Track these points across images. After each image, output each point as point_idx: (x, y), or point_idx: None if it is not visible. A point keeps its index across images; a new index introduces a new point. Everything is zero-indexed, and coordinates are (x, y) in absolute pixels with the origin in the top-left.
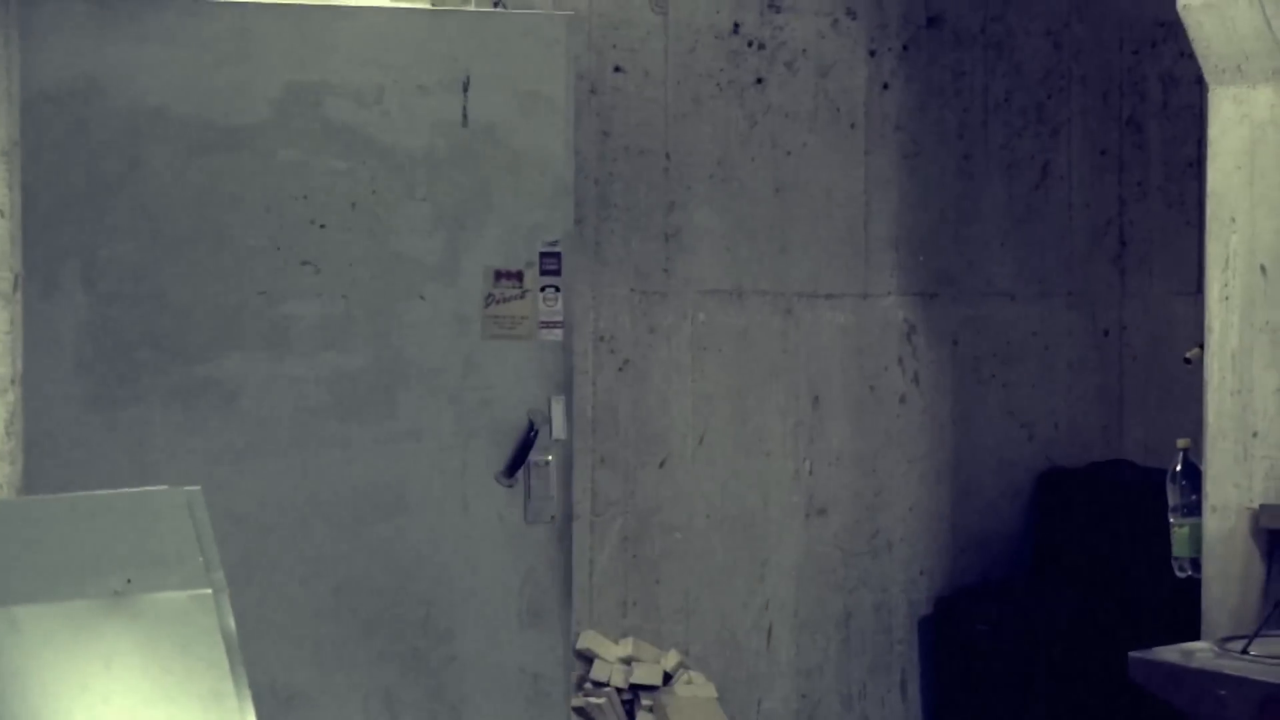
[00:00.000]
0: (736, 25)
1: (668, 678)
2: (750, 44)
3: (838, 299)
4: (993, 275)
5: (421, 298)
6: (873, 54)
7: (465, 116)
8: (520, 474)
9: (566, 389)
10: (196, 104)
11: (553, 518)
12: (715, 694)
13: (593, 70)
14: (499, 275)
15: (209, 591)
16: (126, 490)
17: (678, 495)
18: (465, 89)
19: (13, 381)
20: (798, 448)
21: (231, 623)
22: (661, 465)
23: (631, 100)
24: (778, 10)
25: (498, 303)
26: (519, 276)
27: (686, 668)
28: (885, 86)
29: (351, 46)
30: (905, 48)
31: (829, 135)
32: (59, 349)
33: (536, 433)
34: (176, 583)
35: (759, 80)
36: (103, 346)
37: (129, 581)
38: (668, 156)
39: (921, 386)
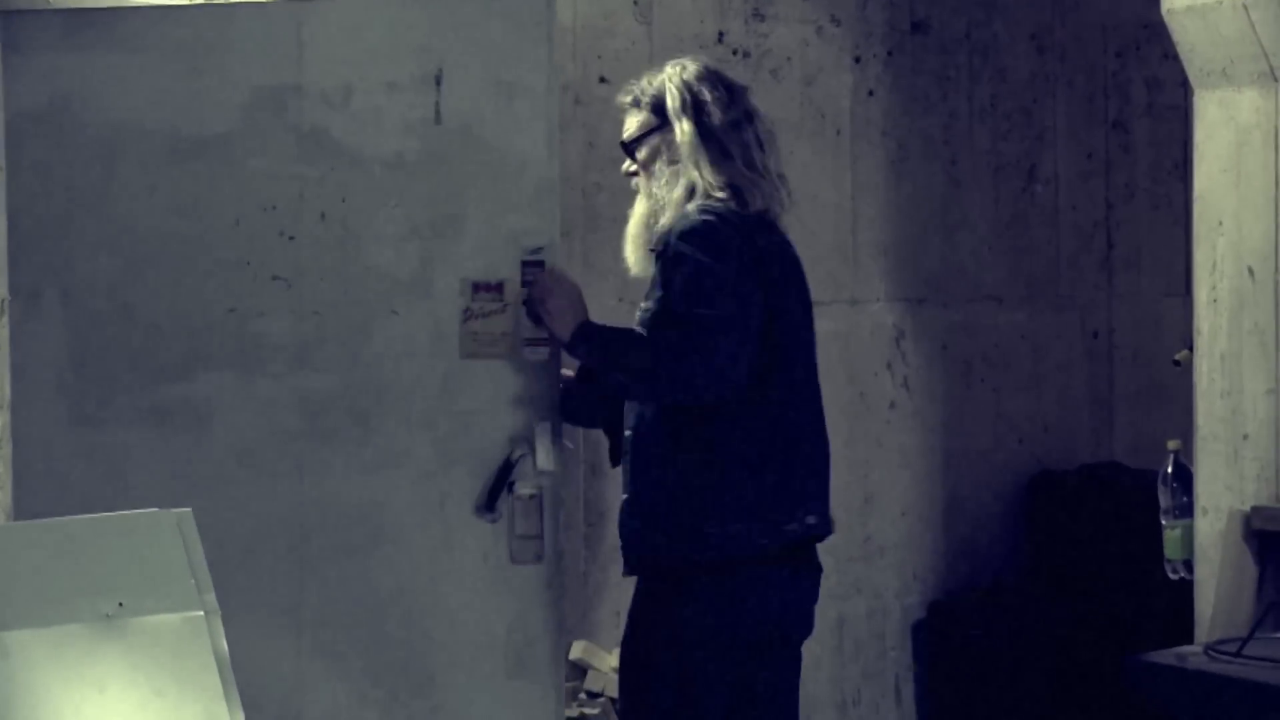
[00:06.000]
0: (721, 34)
1: None
2: (735, 52)
3: (826, 306)
4: (981, 279)
5: (395, 313)
6: (857, 60)
7: (438, 114)
8: (504, 509)
9: (552, 414)
10: (168, 115)
11: (539, 558)
12: None
13: (578, 81)
14: (477, 288)
15: (201, 614)
16: (117, 514)
17: None
18: (438, 83)
19: (1, 407)
20: None
21: (224, 645)
22: None
23: (617, 110)
24: (762, 19)
25: (476, 318)
26: (499, 289)
27: None
28: (870, 93)
29: (317, 44)
30: (890, 54)
31: (815, 143)
32: (42, 371)
33: (514, 464)
34: (168, 605)
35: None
36: (80, 367)
37: (121, 605)
38: None
39: (911, 392)
